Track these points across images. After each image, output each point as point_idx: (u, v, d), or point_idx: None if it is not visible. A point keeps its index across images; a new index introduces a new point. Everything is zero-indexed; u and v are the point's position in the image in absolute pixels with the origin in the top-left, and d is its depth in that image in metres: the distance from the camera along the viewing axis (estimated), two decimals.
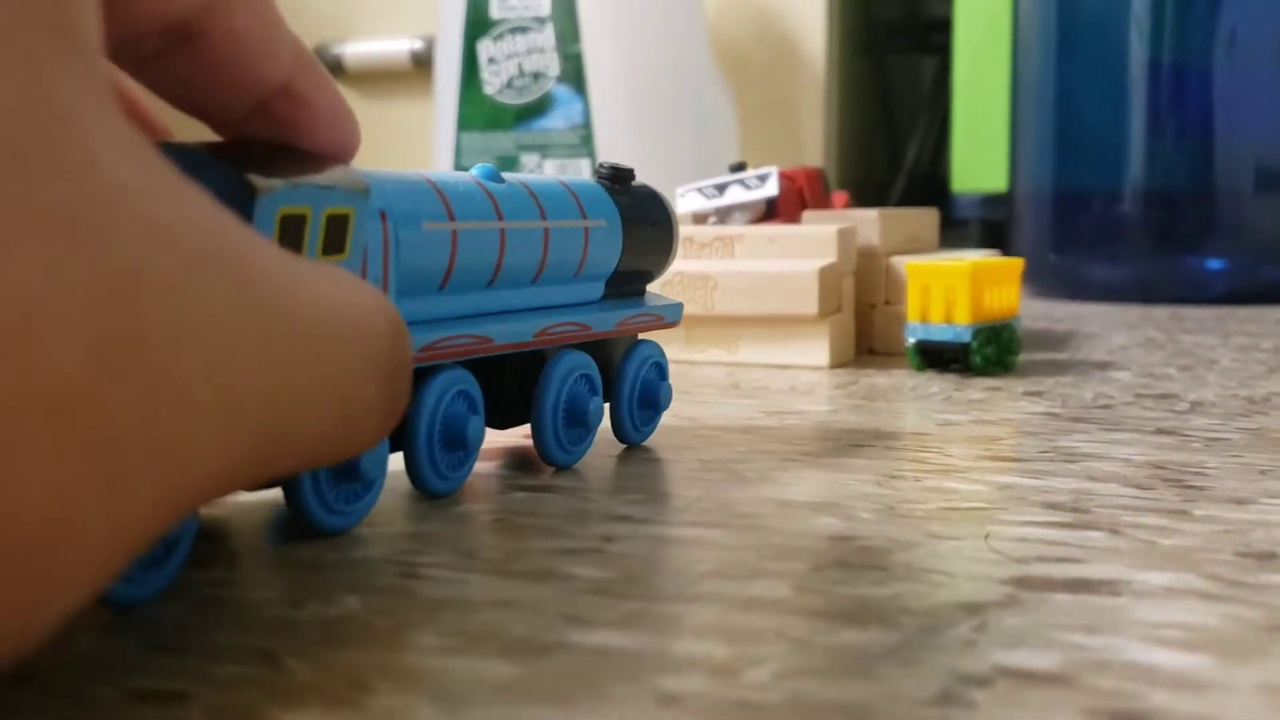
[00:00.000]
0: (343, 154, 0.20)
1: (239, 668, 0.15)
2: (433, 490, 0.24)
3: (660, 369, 0.30)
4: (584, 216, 0.27)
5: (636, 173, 0.29)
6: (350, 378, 0.16)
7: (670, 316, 0.30)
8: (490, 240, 0.24)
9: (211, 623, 0.17)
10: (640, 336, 0.30)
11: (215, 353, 0.12)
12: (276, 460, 0.15)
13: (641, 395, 0.30)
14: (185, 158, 0.17)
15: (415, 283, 0.22)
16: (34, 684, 0.15)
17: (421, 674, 0.15)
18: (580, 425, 0.27)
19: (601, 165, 0.29)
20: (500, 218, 0.24)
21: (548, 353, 0.27)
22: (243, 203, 0.17)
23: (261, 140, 0.19)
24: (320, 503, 0.21)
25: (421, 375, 0.23)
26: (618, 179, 0.29)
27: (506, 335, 0.24)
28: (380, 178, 0.22)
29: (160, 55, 0.17)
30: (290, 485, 0.20)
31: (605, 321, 0.28)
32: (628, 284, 0.29)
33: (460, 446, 0.24)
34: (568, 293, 0.27)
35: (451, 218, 0.23)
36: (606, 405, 0.29)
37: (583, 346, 0.28)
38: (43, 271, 0.10)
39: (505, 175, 0.25)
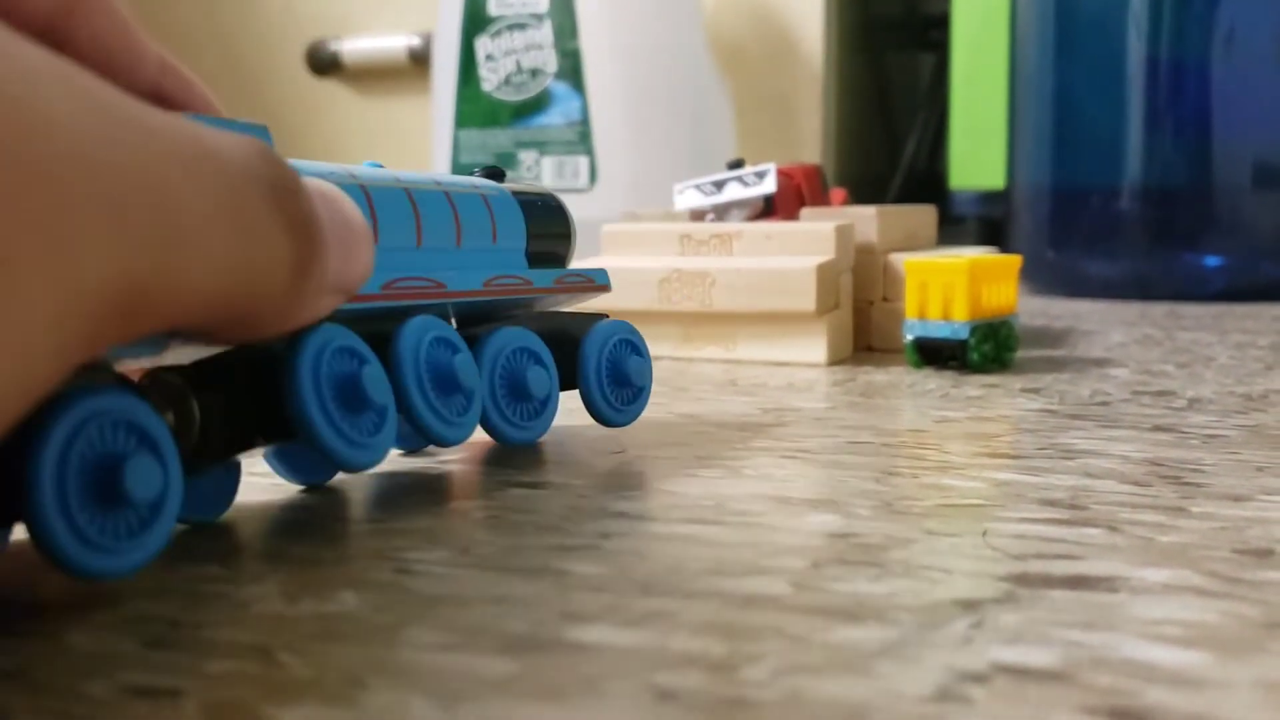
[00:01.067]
0: None
1: (233, 664, 0.15)
2: (433, 435, 0.24)
3: (632, 346, 0.30)
4: (479, 191, 0.28)
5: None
6: (234, 190, 0.16)
7: (600, 279, 0.31)
8: (399, 198, 0.25)
9: (206, 618, 0.17)
10: (610, 317, 0.30)
11: (92, 158, 0.13)
12: (175, 276, 0.14)
13: (611, 373, 0.29)
14: None
15: None
16: (27, 680, 0.15)
17: (417, 670, 0.15)
18: (524, 399, 0.27)
19: (476, 168, 0.30)
20: (407, 190, 0.26)
21: (480, 331, 0.27)
22: None
23: None
24: (336, 432, 0.21)
25: (399, 315, 0.24)
26: (493, 177, 0.30)
27: (459, 282, 0.26)
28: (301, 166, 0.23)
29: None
30: (300, 416, 0.20)
31: (544, 278, 0.29)
32: (544, 262, 0.30)
33: (457, 390, 0.24)
34: (495, 261, 0.28)
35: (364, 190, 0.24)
36: (577, 392, 0.29)
37: (531, 327, 0.28)
38: None
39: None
